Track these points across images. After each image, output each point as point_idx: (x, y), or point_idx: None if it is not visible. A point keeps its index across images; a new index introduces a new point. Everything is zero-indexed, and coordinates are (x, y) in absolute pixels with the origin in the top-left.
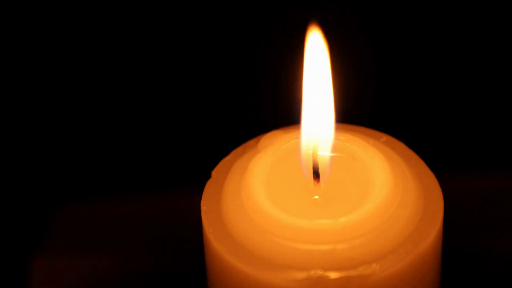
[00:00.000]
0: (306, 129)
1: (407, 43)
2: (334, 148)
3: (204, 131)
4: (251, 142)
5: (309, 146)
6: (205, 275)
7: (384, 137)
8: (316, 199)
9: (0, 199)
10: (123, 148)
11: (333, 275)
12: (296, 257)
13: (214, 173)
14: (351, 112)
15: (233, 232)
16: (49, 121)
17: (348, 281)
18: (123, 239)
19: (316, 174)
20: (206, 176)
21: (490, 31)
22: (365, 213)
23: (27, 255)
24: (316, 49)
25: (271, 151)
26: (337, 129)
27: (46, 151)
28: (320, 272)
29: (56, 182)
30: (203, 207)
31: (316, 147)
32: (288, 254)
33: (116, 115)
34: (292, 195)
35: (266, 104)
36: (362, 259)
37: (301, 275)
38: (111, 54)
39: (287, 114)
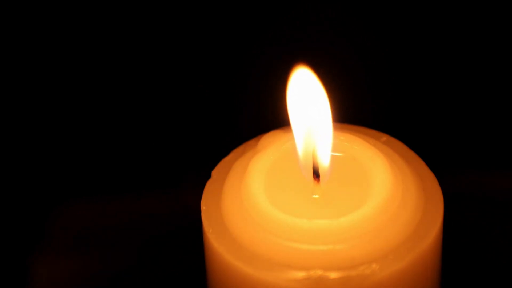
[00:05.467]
0: (304, 130)
1: (407, 43)
2: (334, 148)
3: (204, 131)
4: (251, 142)
5: (309, 146)
6: (205, 275)
7: (384, 137)
8: (316, 198)
9: (0, 199)
10: (123, 148)
11: (333, 275)
12: (296, 257)
13: (214, 173)
14: (351, 112)
15: (233, 232)
16: (48, 122)
17: (348, 281)
18: (123, 239)
19: (316, 174)
20: (206, 176)
21: (489, 31)
22: (365, 213)
23: (27, 255)
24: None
25: (271, 151)
26: (337, 129)
27: (46, 151)
28: (320, 272)
29: (56, 182)
30: (203, 207)
31: (316, 147)
32: (288, 254)
33: (116, 115)
34: (292, 195)
35: (266, 104)
36: (362, 259)
37: (301, 275)
38: (113, 55)
39: (286, 114)
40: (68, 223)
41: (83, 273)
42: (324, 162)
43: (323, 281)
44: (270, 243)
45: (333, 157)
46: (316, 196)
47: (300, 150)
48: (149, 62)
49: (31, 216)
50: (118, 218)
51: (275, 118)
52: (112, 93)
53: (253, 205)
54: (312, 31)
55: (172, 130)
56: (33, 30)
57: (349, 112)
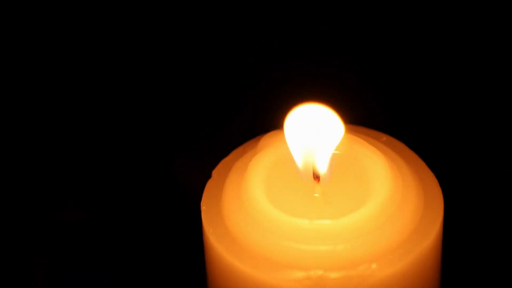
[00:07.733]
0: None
1: (407, 43)
2: (335, 148)
3: (204, 131)
4: (251, 142)
5: (309, 146)
6: (205, 275)
7: (384, 137)
8: (316, 199)
9: (0, 200)
10: (123, 148)
11: (333, 275)
12: (296, 257)
13: (214, 173)
14: (351, 112)
15: (233, 232)
16: (48, 122)
17: (348, 281)
18: (123, 239)
19: (315, 174)
20: (206, 176)
21: (487, 37)
22: (365, 213)
23: (26, 255)
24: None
25: (271, 151)
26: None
27: (46, 152)
28: (320, 272)
29: (55, 182)
30: (203, 207)
31: (316, 147)
32: (288, 254)
33: (116, 115)
34: (292, 195)
35: (266, 105)
36: (362, 259)
37: (301, 275)
38: (113, 55)
39: (286, 115)
40: (66, 223)
41: (81, 273)
42: (325, 162)
43: (323, 281)
44: (270, 243)
45: (333, 156)
46: (317, 195)
47: (299, 150)
48: (149, 63)
49: (30, 216)
50: (117, 218)
51: (275, 119)
52: (113, 92)
53: (253, 205)
54: (312, 32)
55: (173, 130)
56: (33, 30)
57: (349, 112)
